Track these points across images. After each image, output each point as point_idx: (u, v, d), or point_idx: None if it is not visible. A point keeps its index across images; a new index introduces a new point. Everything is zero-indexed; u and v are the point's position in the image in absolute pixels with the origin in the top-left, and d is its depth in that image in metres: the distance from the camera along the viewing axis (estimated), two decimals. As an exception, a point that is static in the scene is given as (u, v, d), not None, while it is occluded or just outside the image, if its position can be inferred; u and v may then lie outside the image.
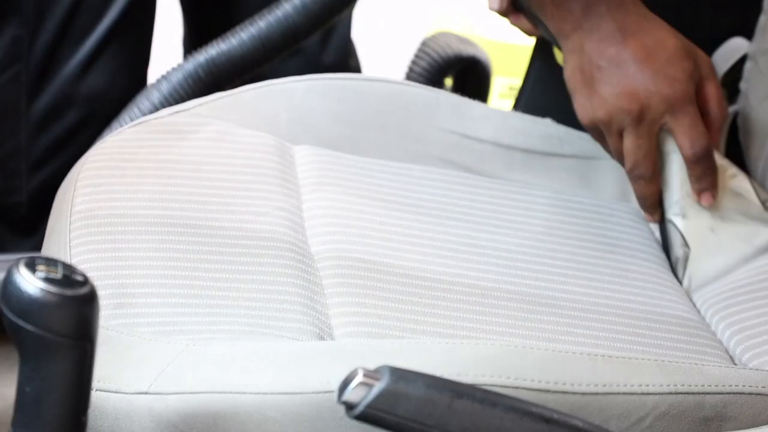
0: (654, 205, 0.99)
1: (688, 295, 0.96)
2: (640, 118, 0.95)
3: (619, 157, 0.99)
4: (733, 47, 1.11)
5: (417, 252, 0.93)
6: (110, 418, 0.76)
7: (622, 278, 0.94)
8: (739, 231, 0.97)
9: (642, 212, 1.04)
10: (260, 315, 0.83)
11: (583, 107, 0.98)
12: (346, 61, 1.49)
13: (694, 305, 0.95)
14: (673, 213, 0.98)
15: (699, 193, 0.97)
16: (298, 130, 1.02)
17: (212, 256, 0.88)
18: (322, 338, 0.83)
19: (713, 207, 0.97)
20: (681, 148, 0.96)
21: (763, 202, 0.96)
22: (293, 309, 0.84)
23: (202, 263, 0.87)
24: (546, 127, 1.06)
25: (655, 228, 1.03)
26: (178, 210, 0.91)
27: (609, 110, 0.96)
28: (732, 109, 1.10)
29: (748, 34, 1.08)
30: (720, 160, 0.99)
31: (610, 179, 1.05)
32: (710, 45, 1.12)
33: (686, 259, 0.96)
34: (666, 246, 0.98)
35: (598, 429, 0.73)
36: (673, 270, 0.97)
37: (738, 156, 1.09)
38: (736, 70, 1.09)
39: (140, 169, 0.95)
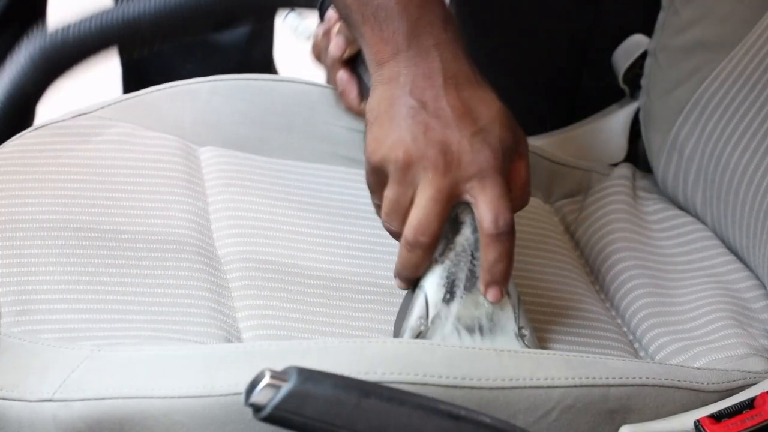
0: (412, 276, 0.83)
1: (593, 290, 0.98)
2: (445, 172, 0.80)
3: (394, 213, 0.82)
4: (634, 44, 1.12)
5: (325, 252, 0.93)
6: (14, 426, 0.75)
7: (529, 272, 0.95)
8: (482, 339, 0.83)
9: (547, 207, 1.05)
10: (166, 319, 0.83)
11: (377, 142, 0.82)
12: (271, 58, 1.48)
13: (599, 297, 0.96)
14: (429, 281, 0.83)
15: (487, 284, 0.82)
16: (203, 131, 1.01)
17: (116, 260, 0.87)
18: (229, 341, 0.83)
19: (469, 306, 0.83)
20: (481, 221, 0.81)
21: (520, 329, 0.83)
22: (200, 312, 0.84)
23: (106, 267, 0.86)
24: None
25: (561, 222, 1.04)
26: (80, 214, 0.90)
27: (411, 153, 0.80)
28: (634, 105, 1.12)
29: (648, 32, 1.09)
30: None
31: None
32: (611, 41, 1.14)
33: (417, 335, 0.82)
34: (402, 310, 0.84)
35: (506, 424, 0.74)
36: (396, 333, 0.84)
37: (641, 152, 1.11)
38: (636, 66, 1.11)
39: (42, 173, 0.94)
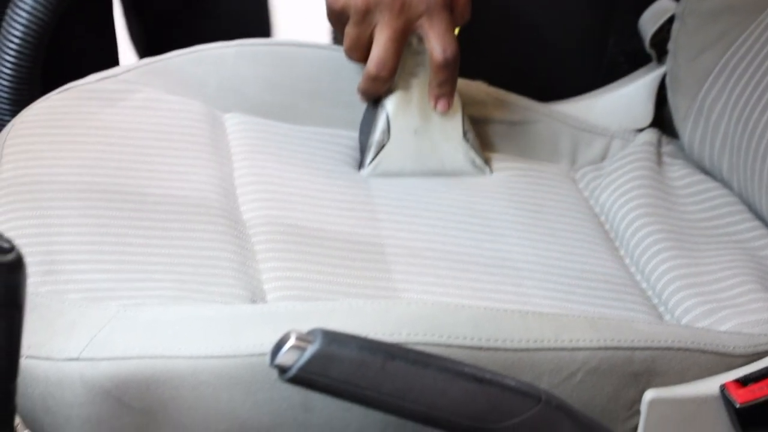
0: (375, 96, 0.99)
1: (613, 250, 0.97)
2: (399, 14, 0.96)
3: (356, 48, 0.98)
4: (661, 8, 1.12)
5: (348, 216, 0.93)
6: (41, 385, 0.76)
7: (552, 237, 0.95)
8: (435, 146, 0.99)
9: (571, 174, 1.05)
10: (192, 280, 0.83)
11: None
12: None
13: (623, 262, 0.96)
14: (390, 101, 0.99)
15: (437, 98, 0.99)
16: (227, 97, 1.01)
17: (142, 222, 0.87)
18: (254, 302, 0.83)
19: (424, 117, 0.99)
20: (432, 52, 0.97)
21: (465, 132, 1.00)
22: (225, 274, 0.84)
23: (131, 229, 0.86)
24: (477, 91, 1.07)
25: (584, 189, 1.04)
26: (106, 176, 0.91)
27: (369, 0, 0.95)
28: (661, 70, 1.11)
29: (675, -5, 1.09)
30: None
31: (540, 142, 1.06)
32: (638, 6, 1.13)
33: (381, 146, 0.99)
34: (367, 127, 1.00)
35: (530, 387, 0.74)
36: (362, 151, 0.99)
37: (667, 117, 1.11)
38: (664, 31, 1.10)
39: (68, 135, 0.94)
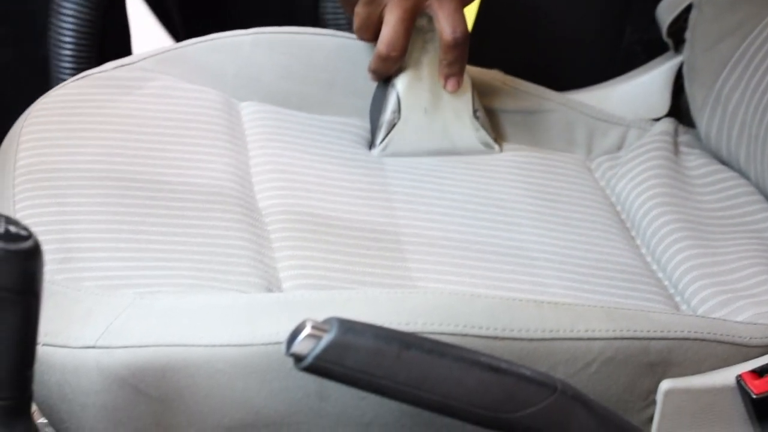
0: (385, 75, 1.00)
1: (630, 240, 0.97)
2: None
3: (365, 28, 0.99)
4: (678, -4, 1.11)
5: (364, 204, 0.93)
6: (58, 372, 0.76)
7: (568, 227, 0.95)
8: (445, 124, 1.00)
9: (587, 164, 1.04)
10: (207, 268, 0.83)
11: None
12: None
13: (640, 252, 0.96)
14: (400, 80, 1.00)
15: (446, 77, 0.99)
16: (244, 85, 1.01)
17: (158, 210, 0.87)
18: (270, 291, 0.83)
19: (434, 96, 1.00)
20: (441, 31, 0.98)
21: (475, 111, 1.01)
22: (241, 262, 0.84)
23: (148, 217, 0.87)
24: (493, 80, 1.06)
25: (600, 178, 1.04)
26: (123, 164, 0.91)
27: None
28: (678, 59, 1.11)
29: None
30: None
31: (556, 131, 1.06)
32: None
33: (392, 126, 0.99)
34: (377, 107, 1.00)
35: (545, 377, 0.74)
36: (372, 131, 1.00)
37: (684, 107, 1.10)
38: (681, 20, 1.10)
39: (84, 123, 0.94)
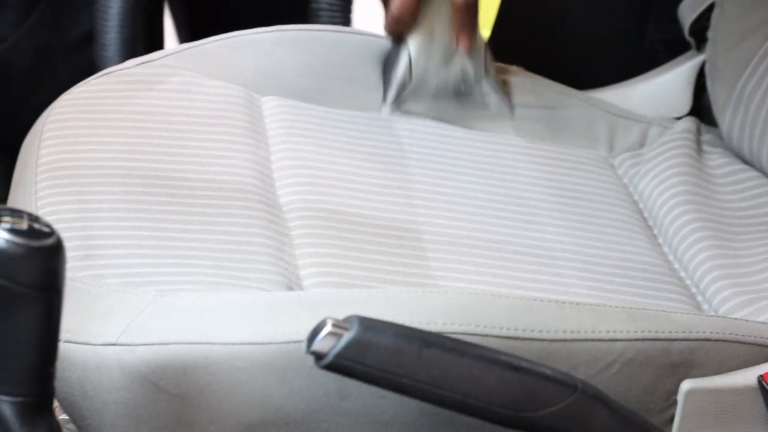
0: (397, 35, 1.02)
1: (653, 239, 0.97)
2: None
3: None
4: (701, -5, 1.11)
5: (386, 201, 0.93)
6: (79, 369, 0.76)
7: (589, 225, 0.95)
8: (456, 87, 1.02)
9: (609, 160, 1.04)
10: (228, 266, 0.83)
11: None
12: None
13: (662, 251, 0.96)
14: (412, 41, 1.01)
15: (458, 34, 1.01)
16: (265, 81, 1.02)
17: (179, 207, 0.88)
18: (290, 289, 0.83)
19: (447, 58, 1.01)
20: None
21: (487, 72, 1.03)
22: (261, 260, 0.84)
23: (169, 214, 0.87)
24: (515, 75, 1.06)
25: (624, 175, 1.03)
26: (144, 161, 0.91)
27: None
28: (699, 58, 1.11)
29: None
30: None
31: (578, 128, 1.05)
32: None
33: (403, 85, 1.01)
34: (390, 65, 1.02)
35: (566, 377, 0.74)
36: (385, 89, 1.01)
37: (706, 106, 1.10)
38: (703, 19, 1.10)
39: (106, 120, 0.94)
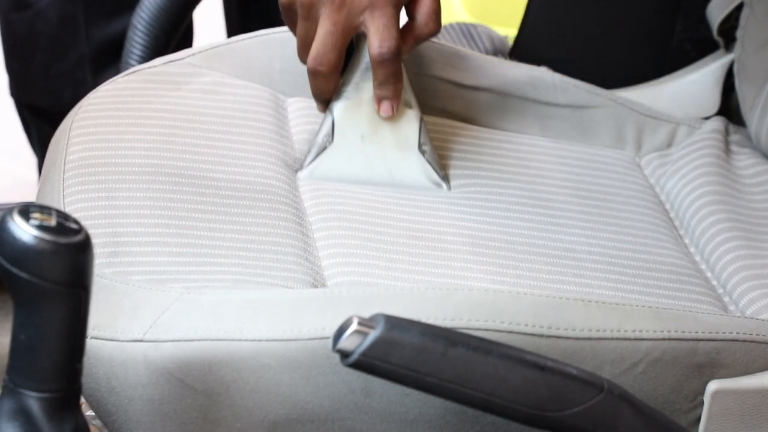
0: (322, 99, 0.94)
1: (679, 240, 0.96)
2: (340, 7, 0.89)
3: (304, 47, 0.93)
4: (729, -5, 1.10)
5: (408, 203, 0.93)
6: (105, 365, 0.77)
7: (615, 226, 0.94)
8: (385, 155, 0.94)
9: (636, 160, 1.04)
10: (254, 264, 0.84)
11: None
12: None
13: (688, 251, 0.95)
14: (337, 104, 0.94)
15: (379, 100, 0.93)
16: (291, 81, 1.02)
17: (206, 206, 0.88)
18: (315, 287, 0.83)
19: (374, 123, 0.93)
20: (369, 47, 0.90)
21: (420, 144, 0.94)
22: (286, 259, 0.85)
23: (195, 213, 0.87)
24: (541, 75, 1.06)
25: (650, 175, 1.03)
26: (171, 159, 0.91)
27: None
28: (728, 57, 1.10)
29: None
30: (407, 93, 0.96)
31: (605, 128, 1.05)
32: (706, -7, 1.12)
33: (323, 149, 0.94)
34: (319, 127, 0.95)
35: (592, 376, 0.74)
36: (312, 153, 0.94)
37: (734, 106, 1.09)
38: (732, 19, 1.09)
39: (134, 118, 0.95)
